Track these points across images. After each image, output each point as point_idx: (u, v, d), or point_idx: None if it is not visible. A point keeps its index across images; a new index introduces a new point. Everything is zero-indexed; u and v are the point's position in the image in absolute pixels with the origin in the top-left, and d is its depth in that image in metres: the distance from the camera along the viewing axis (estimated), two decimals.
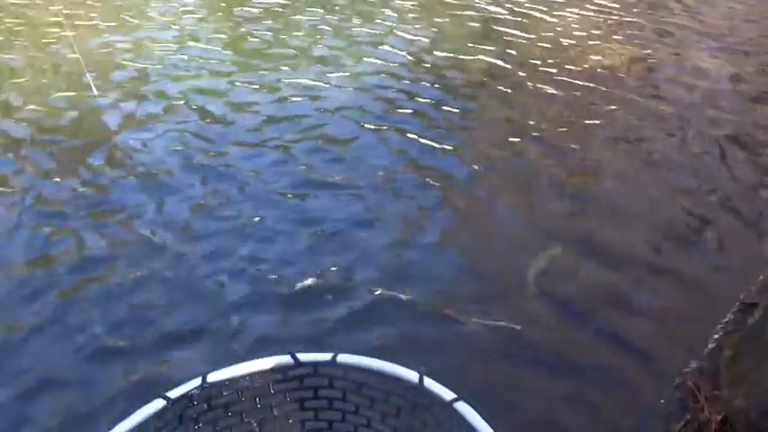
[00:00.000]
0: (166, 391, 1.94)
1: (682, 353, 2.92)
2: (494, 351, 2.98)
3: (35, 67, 6.10)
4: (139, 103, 5.44)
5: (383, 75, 6.14)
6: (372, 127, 5.16)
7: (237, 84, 5.90)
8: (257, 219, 3.97)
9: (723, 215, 4.18)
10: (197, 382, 1.95)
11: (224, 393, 1.95)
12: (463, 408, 1.69)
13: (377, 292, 3.38)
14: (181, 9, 8.04)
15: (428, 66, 6.45)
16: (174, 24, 7.46)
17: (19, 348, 2.99)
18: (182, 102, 5.48)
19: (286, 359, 1.98)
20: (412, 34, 7.31)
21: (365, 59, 6.56)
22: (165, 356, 2.92)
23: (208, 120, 5.20)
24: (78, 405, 2.71)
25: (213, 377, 1.94)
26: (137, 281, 3.38)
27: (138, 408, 1.89)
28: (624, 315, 3.23)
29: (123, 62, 6.25)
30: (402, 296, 3.35)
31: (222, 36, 7.14)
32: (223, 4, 8.28)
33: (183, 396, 1.92)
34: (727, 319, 2.71)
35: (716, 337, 2.68)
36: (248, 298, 3.31)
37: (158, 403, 1.91)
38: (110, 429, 1.70)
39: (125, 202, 4.07)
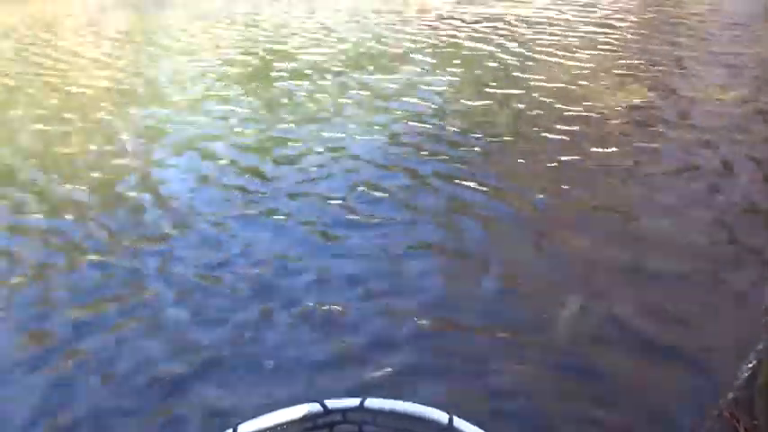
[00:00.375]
0: None
1: (720, 382, 2.83)
2: (525, 390, 2.92)
3: (83, 135, 6.31)
4: (183, 164, 5.65)
5: (410, 123, 6.27)
6: (403, 171, 5.25)
7: (272, 140, 6.08)
8: (296, 260, 4.01)
9: (753, 242, 4.09)
10: None
11: None
12: None
13: (406, 333, 3.34)
14: (213, 76, 8.29)
15: (451, 112, 6.56)
16: (208, 91, 7.69)
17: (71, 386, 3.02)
18: (221, 161, 5.65)
19: (315, 407, 1.97)
20: (434, 85, 7.44)
21: (392, 110, 6.69)
22: (197, 405, 2.90)
23: (245, 174, 5.37)
24: None
25: (244, 429, 1.93)
26: (169, 331, 3.40)
27: None
28: (658, 350, 3.15)
29: (164, 129, 6.44)
30: (433, 336, 3.31)
31: (254, 98, 7.34)
32: (252, 70, 8.53)
33: None
34: (760, 347, 2.63)
35: (749, 365, 2.60)
36: (282, 340, 3.29)
37: None
38: None
39: (170, 253, 4.16)
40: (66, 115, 6.93)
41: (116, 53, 9.74)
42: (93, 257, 4.18)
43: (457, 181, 5.05)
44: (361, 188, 4.97)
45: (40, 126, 6.65)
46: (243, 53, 9.30)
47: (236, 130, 6.38)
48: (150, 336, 3.39)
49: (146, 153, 5.87)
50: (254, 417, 1.94)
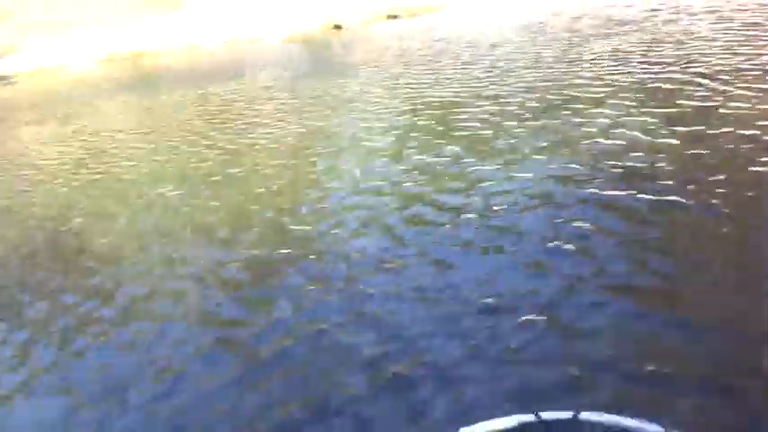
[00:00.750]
0: None
1: None
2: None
3: (288, 193, 7.17)
4: (388, 208, 6.13)
5: (607, 161, 6.22)
6: (606, 204, 5.30)
7: (467, 181, 6.39)
8: (484, 294, 4.22)
9: None
10: None
11: None
12: None
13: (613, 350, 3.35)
14: (401, 128, 8.94)
15: (649, 150, 6.35)
16: (398, 142, 8.29)
17: None
18: (426, 207, 5.99)
19: (530, 417, 2.17)
20: (628, 124, 7.33)
21: (584, 150, 6.69)
22: (420, 409, 3.16)
23: (451, 213, 5.69)
24: None
25: None
26: (408, 348, 3.73)
27: None
28: None
29: (365, 178, 7.10)
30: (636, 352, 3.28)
31: (443, 145, 7.74)
32: (437, 120, 9.06)
33: None
34: None
35: None
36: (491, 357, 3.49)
37: None
38: None
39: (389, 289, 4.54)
40: (268, 172, 7.90)
41: (306, 115, 10.84)
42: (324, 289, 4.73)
43: (669, 215, 4.95)
44: (565, 223, 5.06)
45: (253, 182, 7.63)
46: (426, 104, 9.88)
47: (433, 176, 6.78)
48: (390, 355, 3.74)
49: (345, 200, 6.49)
50: (473, 423, 2.19)
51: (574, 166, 6.27)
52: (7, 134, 14.63)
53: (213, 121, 11.70)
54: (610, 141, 6.83)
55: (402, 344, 3.84)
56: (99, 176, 9.30)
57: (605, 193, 5.56)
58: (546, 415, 2.13)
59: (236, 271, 5.33)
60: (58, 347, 4.63)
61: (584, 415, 2.05)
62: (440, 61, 14.01)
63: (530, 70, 11.18)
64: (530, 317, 3.84)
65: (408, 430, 3.03)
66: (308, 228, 5.99)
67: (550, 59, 11.88)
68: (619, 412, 1.99)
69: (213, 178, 8.02)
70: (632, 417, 1.96)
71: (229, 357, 4.06)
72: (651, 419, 1.92)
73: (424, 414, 3.11)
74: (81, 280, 5.76)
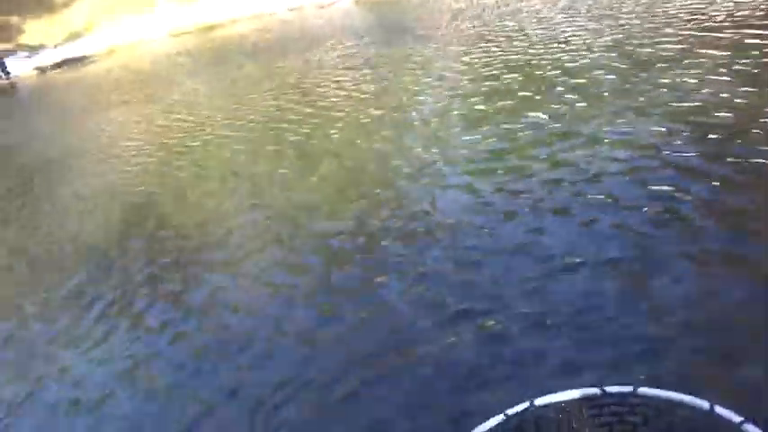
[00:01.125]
0: (504, 410, 2.69)
1: None
2: None
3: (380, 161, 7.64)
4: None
5: (695, 118, 6.28)
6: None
7: (557, 136, 6.66)
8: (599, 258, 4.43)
9: None
10: (526, 404, 2.67)
11: (549, 415, 2.63)
12: (751, 429, 2.14)
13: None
14: (490, 91, 9.20)
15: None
16: (484, 107, 8.52)
17: None
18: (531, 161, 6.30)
19: (595, 390, 2.60)
20: (724, 73, 7.20)
21: (670, 107, 6.69)
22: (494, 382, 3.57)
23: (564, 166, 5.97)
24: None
25: (539, 401, 2.64)
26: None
27: (479, 423, 2.67)
28: None
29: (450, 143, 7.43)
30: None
31: (535, 106, 7.85)
32: (515, 85, 9.23)
33: (517, 414, 2.65)
34: None
35: None
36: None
37: (498, 418, 2.67)
38: None
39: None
40: (357, 141, 8.36)
41: (388, 82, 11.19)
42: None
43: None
44: (655, 186, 5.17)
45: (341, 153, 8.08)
46: (506, 67, 9.93)
47: (518, 141, 6.94)
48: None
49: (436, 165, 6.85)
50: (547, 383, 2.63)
51: (664, 124, 6.25)
52: (101, 116, 15.76)
53: (298, 91, 12.29)
54: (701, 96, 6.74)
55: (490, 300, 4.24)
56: (197, 153, 10.06)
57: (696, 151, 5.57)
58: (609, 388, 2.55)
59: (345, 234, 5.80)
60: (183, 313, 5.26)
61: (642, 389, 2.46)
62: (514, 19, 13.98)
63: (610, 27, 11.07)
64: (614, 280, 4.10)
65: (490, 378, 3.47)
66: (406, 192, 6.34)
67: (631, 15, 11.71)
68: (680, 386, 2.38)
69: (307, 150, 8.55)
70: (687, 392, 2.36)
71: (352, 300, 4.71)
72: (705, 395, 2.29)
73: (505, 363, 3.55)
74: (192, 253, 6.39)
